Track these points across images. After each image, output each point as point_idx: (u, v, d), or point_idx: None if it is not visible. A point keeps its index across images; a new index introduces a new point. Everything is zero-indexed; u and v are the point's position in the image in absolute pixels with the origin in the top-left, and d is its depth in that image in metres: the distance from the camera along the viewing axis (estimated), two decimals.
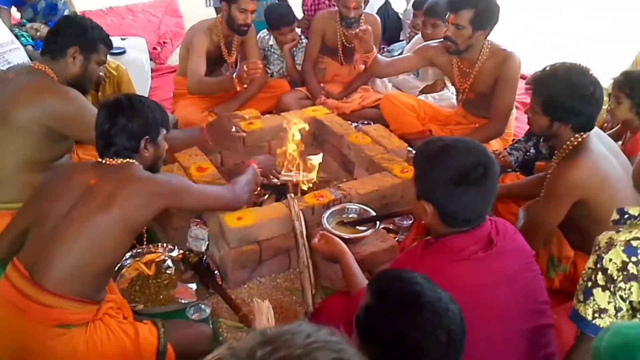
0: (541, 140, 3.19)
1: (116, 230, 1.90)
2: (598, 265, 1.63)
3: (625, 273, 1.59)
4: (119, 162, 1.99)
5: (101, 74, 2.72)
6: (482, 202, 1.71)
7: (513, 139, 3.57)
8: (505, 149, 3.27)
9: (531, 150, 3.25)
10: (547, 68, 2.35)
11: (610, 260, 1.60)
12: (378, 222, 2.52)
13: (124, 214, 1.89)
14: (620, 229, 1.66)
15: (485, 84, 3.33)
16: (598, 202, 2.24)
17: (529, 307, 1.77)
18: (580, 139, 2.29)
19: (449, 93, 4.06)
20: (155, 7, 6.16)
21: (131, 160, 2.01)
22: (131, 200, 1.91)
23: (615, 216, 1.73)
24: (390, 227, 2.81)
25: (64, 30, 2.51)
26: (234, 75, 3.37)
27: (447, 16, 3.26)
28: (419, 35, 4.15)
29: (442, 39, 3.33)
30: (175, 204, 2.13)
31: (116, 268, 2.46)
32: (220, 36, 3.78)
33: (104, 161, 2.00)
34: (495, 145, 3.42)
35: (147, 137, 2.03)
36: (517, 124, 3.83)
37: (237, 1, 3.58)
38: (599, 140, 2.35)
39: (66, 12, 4.70)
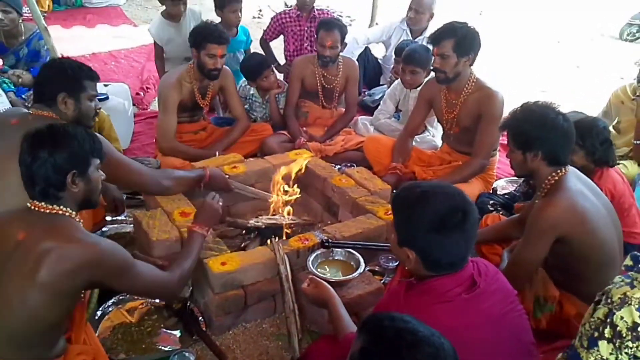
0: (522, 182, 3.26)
1: (44, 294, 1.76)
2: (608, 320, 1.60)
3: (634, 334, 1.57)
4: (50, 209, 1.84)
5: (99, 106, 2.71)
6: (464, 246, 1.74)
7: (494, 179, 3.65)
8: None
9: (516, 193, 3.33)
10: (514, 109, 2.46)
11: (622, 318, 1.58)
12: (363, 263, 2.52)
13: (51, 279, 1.74)
14: (635, 285, 1.65)
15: (469, 118, 3.45)
16: (579, 239, 2.27)
17: (515, 348, 1.78)
18: (557, 177, 2.34)
19: (430, 135, 4.13)
20: (137, 53, 6.21)
21: (67, 210, 1.86)
22: (62, 266, 1.75)
23: (628, 262, 1.73)
24: (376, 269, 2.80)
25: (47, 79, 2.54)
26: (217, 153, 3.61)
27: (431, 51, 3.42)
28: (399, 80, 4.25)
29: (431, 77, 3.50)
30: (110, 280, 1.92)
31: (96, 317, 2.41)
32: (194, 82, 3.79)
33: (32, 206, 1.85)
34: (477, 187, 3.47)
35: (74, 171, 1.86)
36: (499, 165, 3.89)
37: (205, 47, 3.63)
38: (578, 180, 2.40)
39: (48, 59, 4.71)
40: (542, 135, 2.32)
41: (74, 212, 1.90)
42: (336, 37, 3.99)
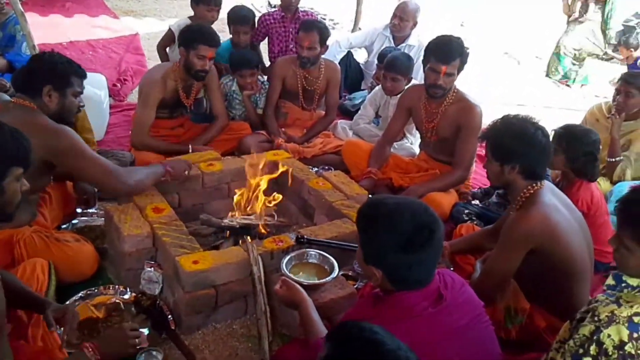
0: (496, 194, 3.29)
1: None
2: (594, 337, 1.62)
3: (621, 352, 1.58)
4: None
5: (81, 103, 2.74)
6: (431, 262, 1.75)
7: (470, 189, 3.68)
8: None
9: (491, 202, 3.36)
10: (495, 120, 2.49)
11: (609, 336, 1.59)
12: (337, 268, 2.50)
13: None
14: (622, 303, 1.66)
15: (448, 128, 3.48)
16: (551, 252, 2.30)
17: (483, 358, 1.79)
18: (532, 191, 2.37)
19: (408, 143, 4.15)
20: (117, 44, 6.11)
21: None
22: None
23: (610, 281, 1.74)
24: (350, 273, 2.78)
25: (35, 70, 2.56)
26: (190, 147, 3.62)
27: (430, 64, 3.37)
28: (380, 86, 4.26)
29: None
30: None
31: None
32: (178, 80, 3.74)
33: None
34: (453, 196, 3.49)
35: None
36: (475, 176, 3.92)
37: (196, 48, 3.58)
38: (552, 195, 2.43)
39: (24, 45, 4.61)
40: (520, 149, 2.35)
41: None
42: (314, 38, 3.98)
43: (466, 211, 3.33)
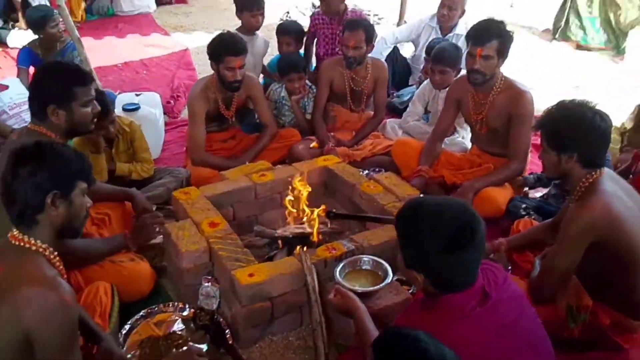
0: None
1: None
2: None
3: None
4: (21, 241, 1.74)
5: (97, 108, 2.57)
6: (474, 262, 1.72)
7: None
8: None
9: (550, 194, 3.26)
10: (551, 106, 2.39)
11: None
12: (391, 274, 2.48)
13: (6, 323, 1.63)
14: None
15: (498, 118, 3.38)
16: (615, 244, 2.21)
17: (533, 351, 1.77)
18: (592, 180, 2.27)
19: (460, 138, 4.06)
20: (168, 61, 6.27)
21: (38, 245, 1.75)
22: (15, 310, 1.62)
23: None
24: (404, 279, 2.76)
25: (36, 92, 2.46)
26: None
27: (468, 48, 3.30)
28: (428, 80, 4.18)
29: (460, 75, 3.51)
30: (41, 341, 1.65)
31: (125, 330, 2.44)
32: (217, 93, 3.78)
33: (10, 238, 1.76)
34: (509, 191, 3.39)
35: (55, 191, 1.76)
36: (530, 166, 3.80)
37: (223, 60, 3.60)
38: (613, 182, 2.33)
39: None
40: (578, 136, 2.25)
41: (44, 246, 1.78)
42: (359, 37, 3.94)
43: (523, 205, 3.23)
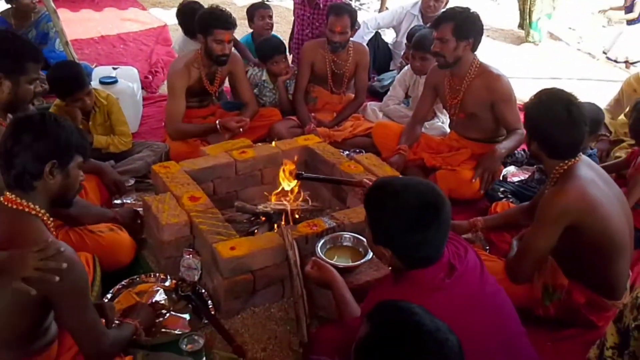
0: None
1: (14, 302, 1.69)
2: None
3: None
4: (19, 204, 1.77)
5: (39, 89, 2.53)
6: (439, 240, 1.77)
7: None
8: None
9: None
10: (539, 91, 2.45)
11: None
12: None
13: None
14: None
15: (475, 103, 3.44)
16: (589, 227, 2.27)
17: (502, 319, 1.83)
18: (566, 166, 2.33)
19: (439, 122, 4.11)
20: (146, 36, 6.19)
21: (33, 208, 1.78)
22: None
23: None
24: None
25: None
26: (218, 123, 3.47)
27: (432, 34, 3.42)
28: (409, 66, 4.22)
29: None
30: (56, 299, 1.74)
31: (106, 299, 2.43)
32: (201, 68, 3.78)
33: (4, 200, 1.79)
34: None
35: (54, 161, 1.80)
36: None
37: (212, 33, 3.60)
38: (589, 168, 2.39)
39: (57, 41, 4.72)
40: (540, 127, 2.34)
41: (42, 211, 1.82)
42: (346, 22, 3.96)
43: (501, 189, 3.29)
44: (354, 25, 4.08)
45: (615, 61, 6.24)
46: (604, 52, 6.46)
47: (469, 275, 1.80)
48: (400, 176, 2.78)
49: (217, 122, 3.67)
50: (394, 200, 1.75)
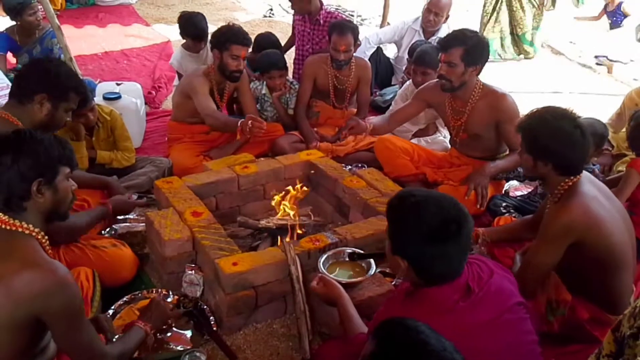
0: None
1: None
2: None
3: None
4: (11, 225, 1.72)
5: (68, 120, 2.61)
6: (457, 257, 1.75)
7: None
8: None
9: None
10: (534, 110, 2.44)
11: None
12: (374, 265, 2.51)
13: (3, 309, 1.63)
14: None
15: (480, 124, 3.42)
16: (593, 244, 2.26)
17: (516, 348, 1.79)
18: (571, 183, 2.32)
19: (441, 137, 4.12)
20: (150, 52, 6.23)
21: (27, 227, 1.74)
22: (13, 293, 1.63)
23: None
24: (387, 271, 2.79)
25: (33, 75, 2.45)
26: (239, 123, 3.39)
27: (439, 56, 3.38)
28: (411, 80, 4.24)
29: (436, 79, 3.46)
30: (49, 320, 1.72)
31: (108, 316, 2.42)
32: (213, 82, 3.82)
33: None
34: (489, 189, 3.44)
35: (39, 179, 1.76)
36: None
37: (229, 48, 3.64)
38: (591, 185, 2.39)
39: (61, 58, 4.75)
40: (555, 148, 2.29)
41: (36, 230, 1.78)
42: (349, 40, 3.99)
43: (504, 204, 3.30)
44: (357, 42, 4.10)
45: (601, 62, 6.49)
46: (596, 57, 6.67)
47: (489, 301, 1.77)
48: (423, 189, 2.75)
49: (239, 122, 3.47)
50: (415, 210, 1.74)
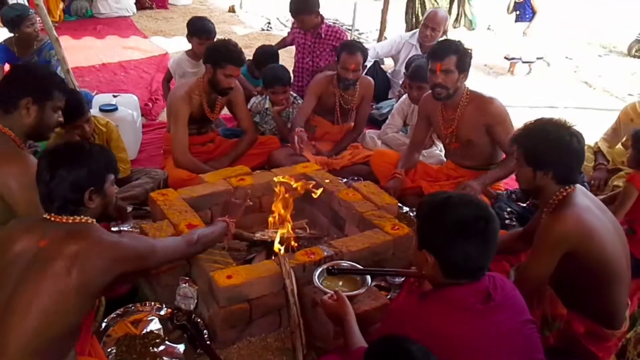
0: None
1: (74, 296, 1.78)
2: None
3: None
4: (70, 220, 1.89)
5: (60, 118, 2.55)
6: (483, 254, 1.78)
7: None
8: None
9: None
10: (529, 123, 2.45)
11: None
12: (369, 278, 2.49)
13: (84, 279, 1.78)
14: None
15: (470, 130, 3.46)
16: (585, 254, 2.26)
17: None
18: (565, 193, 2.33)
19: (437, 150, 4.13)
20: (147, 64, 6.26)
21: (87, 219, 1.92)
22: (94, 265, 1.81)
23: None
24: (382, 284, 2.78)
25: (15, 81, 2.45)
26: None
27: (429, 66, 3.40)
28: (407, 94, 4.25)
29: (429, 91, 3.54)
30: (139, 267, 2.03)
31: (101, 329, 2.40)
32: (203, 95, 3.80)
33: (50, 217, 1.89)
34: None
35: (91, 188, 1.91)
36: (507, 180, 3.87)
37: (224, 67, 3.65)
38: (585, 197, 2.39)
39: (59, 69, 4.75)
40: (556, 156, 2.31)
41: (91, 220, 1.95)
42: (359, 59, 4.00)
43: (508, 209, 3.29)
44: (365, 62, 4.12)
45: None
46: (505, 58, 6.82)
47: (506, 311, 1.78)
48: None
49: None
50: (446, 205, 1.81)
